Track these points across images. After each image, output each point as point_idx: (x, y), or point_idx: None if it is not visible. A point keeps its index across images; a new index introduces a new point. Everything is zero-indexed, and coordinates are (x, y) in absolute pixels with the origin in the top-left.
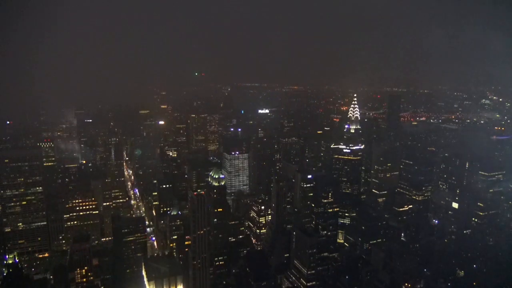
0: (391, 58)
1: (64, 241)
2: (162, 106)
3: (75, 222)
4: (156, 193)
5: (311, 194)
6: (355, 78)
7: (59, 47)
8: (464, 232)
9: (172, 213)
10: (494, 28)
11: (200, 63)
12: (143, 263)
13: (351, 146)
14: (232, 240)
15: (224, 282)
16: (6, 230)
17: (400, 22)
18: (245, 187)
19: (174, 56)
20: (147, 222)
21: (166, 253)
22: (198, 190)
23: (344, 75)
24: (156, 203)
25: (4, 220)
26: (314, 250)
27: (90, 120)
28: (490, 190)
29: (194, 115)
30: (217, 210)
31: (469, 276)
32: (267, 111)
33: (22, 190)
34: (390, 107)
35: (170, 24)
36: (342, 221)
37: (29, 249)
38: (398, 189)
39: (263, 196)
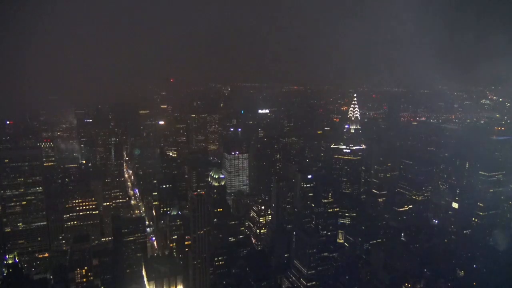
0: (391, 57)
1: (64, 241)
2: (162, 106)
3: (75, 222)
4: (156, 193)
5: (311, 194)
6: (355, 78)
7: (59, 47)
8: (464, 232)
9: (172, 213)
10: (495, 27)
11: (201, 62)
12: (143, 263)
13: (351, 146)
14: (232, 240)
15: (224, 282)
16: (6, 230)
17: (399, 22)
18: (245, 187)
19: (174, 56)
20: (147, 222)
21: (166, 253)
22: (198, 190)
23: (344, 75)
24: (156, 203)
25: (4, 220)
26: (314, 250)
27: (90, 120)
28: (490, 190)
29: (194, 115)
30: (217, 210)
31: (469, 276)
32: (267, 111)
33: (22, 190)
34: (390, 107)
35: (170, 23)
36: (342, 221)
37: (29, 249)
38: (398, 189)
39: (263, 196)
